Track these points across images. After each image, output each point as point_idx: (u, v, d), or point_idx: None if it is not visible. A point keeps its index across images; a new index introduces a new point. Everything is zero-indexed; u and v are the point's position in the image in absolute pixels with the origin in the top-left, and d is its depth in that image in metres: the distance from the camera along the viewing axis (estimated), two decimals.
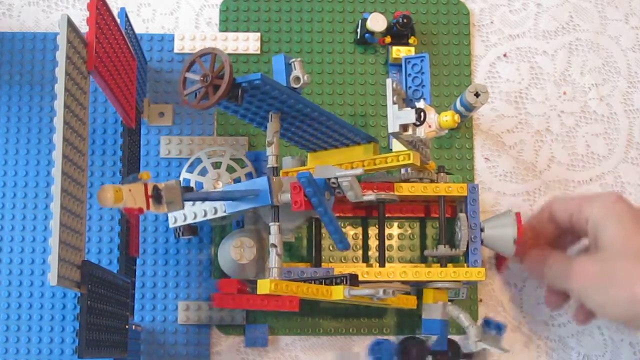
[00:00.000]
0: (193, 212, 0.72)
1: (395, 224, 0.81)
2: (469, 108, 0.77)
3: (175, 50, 0.83)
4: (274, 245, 0.63)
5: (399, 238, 0.81)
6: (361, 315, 0.79)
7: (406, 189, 0.73)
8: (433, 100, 0.83)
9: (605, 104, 0.85)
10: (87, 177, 0.60)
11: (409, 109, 0.65)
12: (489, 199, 0.82)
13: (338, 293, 0.65)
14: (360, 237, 0.80)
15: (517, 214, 0.73)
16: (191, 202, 0.71)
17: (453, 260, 0.77)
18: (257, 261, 0.71)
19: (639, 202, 0.83)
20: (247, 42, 0.84)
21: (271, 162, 0.66)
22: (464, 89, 0.78)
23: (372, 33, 0.82)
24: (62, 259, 0.53)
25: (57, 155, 0.54)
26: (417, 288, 0.76)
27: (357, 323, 0.79)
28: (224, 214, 0.69)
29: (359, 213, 0.79)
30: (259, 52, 0.84)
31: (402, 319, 0.79)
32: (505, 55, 0.86)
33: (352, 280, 0.66)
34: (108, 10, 0.64)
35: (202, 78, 0.62)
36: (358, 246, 0.80)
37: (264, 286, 0.61)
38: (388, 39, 0.82)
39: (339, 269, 0.73)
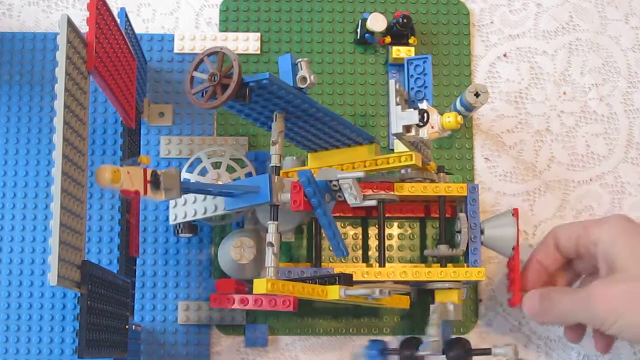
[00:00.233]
0: (193, 209, 0.71)
1: (395, 224, 0.81)
2: (469, 108, 0.77)
3: (175, 50, 0.83)
4: (271, 244, 0.63)
5: (399, 238, 0.81)
6: (361, 315, 0.79)
7: (406, 189, 0.73)
8: (433, 100, 0.83)
9: (605, 104, 0.85)
10: (87, 177, 0.60)
11: (412, 110, 0.65)
12: (489, 199, 0.82)
13: (334, 293, 0.65)
14: (360, 237, 0.80)
15: (515, 210, 0.73)
16: (192, 200, 0.71)
17: (453, 260, 0.77)
18: (257, 261, 0.71)
19: (639, 202, 0.83)
20: (247, 42, 0.84)
21: (274, 161, 0.66)
22: (464, 89, 0.78)
23: (372, 33, 0.82)
24: (62, 259, 0.53)
25: (57, 155, 0.54)
26: (420, 288, 0.76)
27: (357, 323, 0.79)
28: (224, 212, 0.69)
29: (359, 213, 0.79)
30: (259, 52, 0.84)
31: (402, 319, 0.79)
32: (505, 55, 0.86)
33: (346, 280, 0.66)
34: (108, 10, 0.64)
35: (210, 77, 0.61)
36: (358, 246, 0.80)
37: (260, 286, 0.61)
38: (388, 39, 0.83)
39: (339, 269, 0.72)
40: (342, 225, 0.80)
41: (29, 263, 0.78)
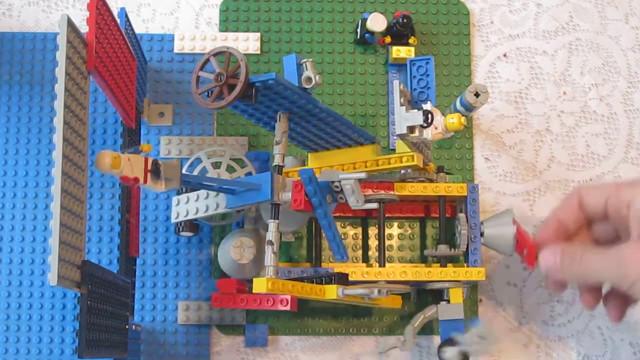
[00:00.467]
0: (195, 207, 0.71)
1: (395, 224, 0.81)
2: (469, 108, 0.77)
3: (175, 50, 0.83)
4: (271, 243, 0.63)
5: (399, 238, 0.81)
6: (361, 315, 0.79)
7: (406, 189, 0.73)
8: (435, 101, 0.83)
9: (605, 104, 0.85)
10: (87, 177, 0.60)
11: (416, 110, 0.65)
12: (489, 199, 0.82)
13: (331, 292, 0.65)
14: (360, 237, 0.80)
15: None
16: (195, 198, 0.71)
17: (453, 260, 0.77)
18: (257, 261, 0.71)
19: None
20: (247, 42, 0.84)
21: (277, 160, 0.66)
22: (464, 89, 0.78)
23: (372, 33, 0.82)
24: (62, 259, 0.53)
25: (57, 155, 0.54)
26: (420, 288, 0.76)
27: (357, 323, 0.79)
28: (226, 210, 0.69)
29: (359, 213, 0.79)
30: (259, 52, 0.84)
31: (402, 320, 0.79)
32: (505, 55, 0.86)
33: (341, 279, 0.66)
34: (108, 10, 0.64)
35: (216, 77, 0.61)
36: (358, 246, 0.80)
37: (260, 285, 0.61)
38: (388, 39, 0.83)
39: (339, 269, 0.72)
40: (342, 225, 0.80)
41: (29, 263, 0.78)
